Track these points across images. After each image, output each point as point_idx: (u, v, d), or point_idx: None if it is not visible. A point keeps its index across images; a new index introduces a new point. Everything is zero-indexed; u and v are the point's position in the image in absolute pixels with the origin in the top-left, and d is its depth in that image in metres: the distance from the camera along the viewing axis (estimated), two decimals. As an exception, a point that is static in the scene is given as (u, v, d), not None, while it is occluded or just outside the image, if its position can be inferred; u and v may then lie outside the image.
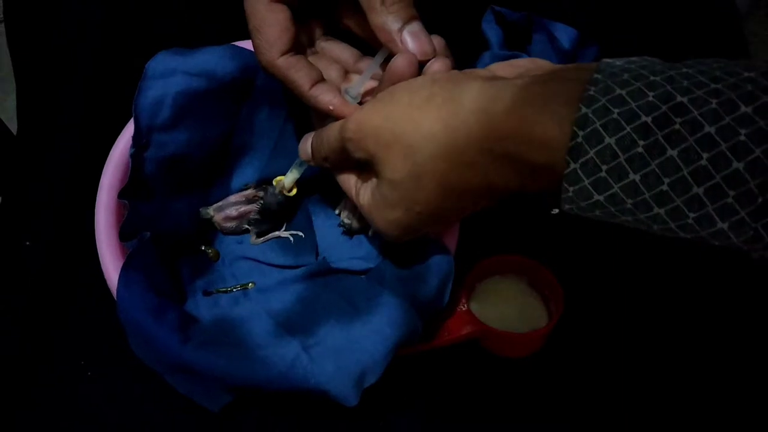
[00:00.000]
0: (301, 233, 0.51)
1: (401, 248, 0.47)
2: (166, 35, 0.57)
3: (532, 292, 0.48)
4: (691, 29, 0.60)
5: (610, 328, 0.48)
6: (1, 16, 0.97)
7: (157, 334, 0.42)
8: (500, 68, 0.37)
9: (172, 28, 0.60)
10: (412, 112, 0.34)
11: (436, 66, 0.38)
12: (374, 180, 0.38)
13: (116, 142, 0.47)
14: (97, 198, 0.45)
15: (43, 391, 0.47)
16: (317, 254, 0.51)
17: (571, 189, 0.28)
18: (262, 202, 0.50)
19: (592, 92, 0.27)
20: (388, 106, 0.36)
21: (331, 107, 0.40)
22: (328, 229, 0.52)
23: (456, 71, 0.38)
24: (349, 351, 0.41)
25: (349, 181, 0.41)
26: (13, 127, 0.65)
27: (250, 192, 0.51)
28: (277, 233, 0.51)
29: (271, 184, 0.50)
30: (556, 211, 0.52)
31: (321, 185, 0.53)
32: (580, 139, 0.27)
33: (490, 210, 0.43)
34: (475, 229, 0.46)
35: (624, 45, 0.56)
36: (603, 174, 0.27)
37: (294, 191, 0.49)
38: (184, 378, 0.43)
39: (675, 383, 0.46)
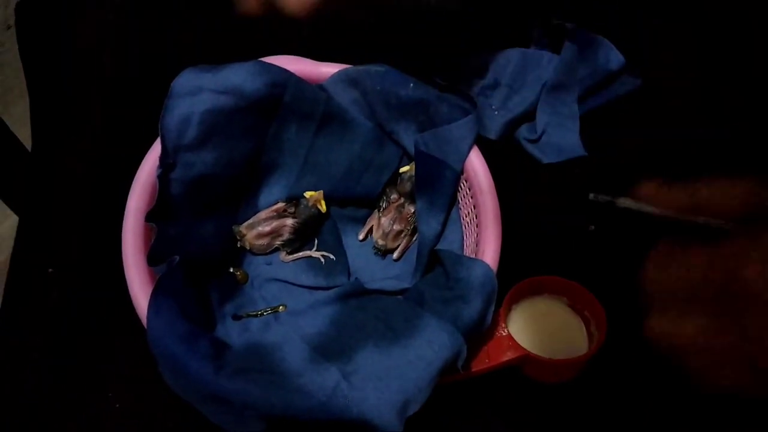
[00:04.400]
0: (332, 255, 0.50)
1: (438, 267, 0.46)
2: (189, 49, 0.55)
3: (571, 314, 0.47)
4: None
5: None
6: (12, 21, 0.93)
7: (189, 364, 0.40)
8: None
9: (195, 42, 0.58)
10: None
11: None
12: None
13: (142, 163, 0.45)
14: (124, 222, 0.44)
15: (71, 425, 0.46)
16: (349, 274, 0.50)
17: None
18: (294, 217, 0.49)
19: None
20: None
21: None
22: (359, 248, 0.51)
23: None
24: (390, 378, 0.39)
25: None
26: (21, 134, 0.62)
27: (280, 206, 0.50)
28: (308, 252, 0.50)
29: (303, 196, 0.49)
30: (593, 227, 0.51)
31: (350, 202, 0.52)
32: None
33: (523, 230, 0.41)
34: (511, 249, 0.45)
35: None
36: None
37: (323, 207, 0.49)
38: (217, 407, 0.42)
39: (720, 405, 0.45)
